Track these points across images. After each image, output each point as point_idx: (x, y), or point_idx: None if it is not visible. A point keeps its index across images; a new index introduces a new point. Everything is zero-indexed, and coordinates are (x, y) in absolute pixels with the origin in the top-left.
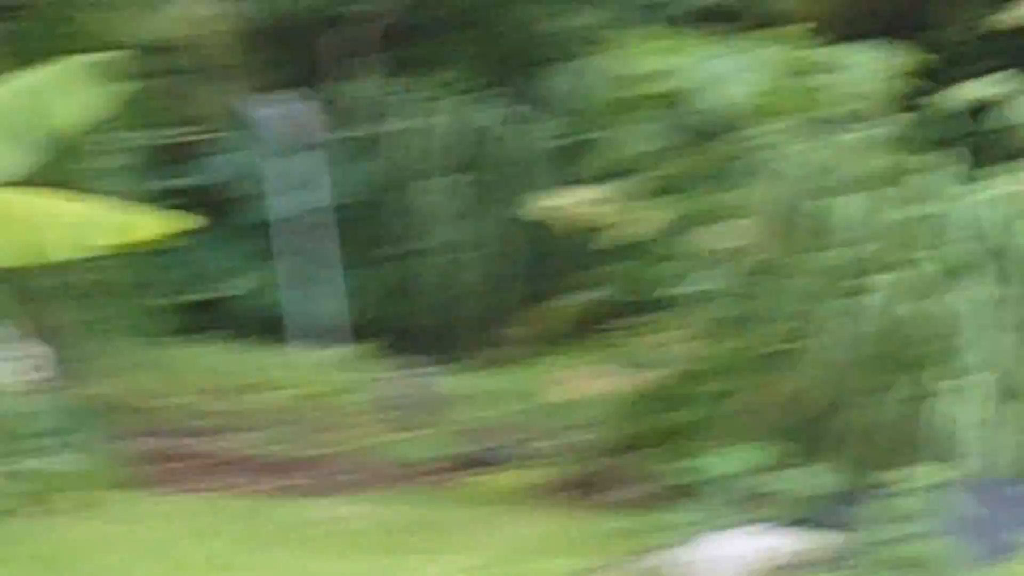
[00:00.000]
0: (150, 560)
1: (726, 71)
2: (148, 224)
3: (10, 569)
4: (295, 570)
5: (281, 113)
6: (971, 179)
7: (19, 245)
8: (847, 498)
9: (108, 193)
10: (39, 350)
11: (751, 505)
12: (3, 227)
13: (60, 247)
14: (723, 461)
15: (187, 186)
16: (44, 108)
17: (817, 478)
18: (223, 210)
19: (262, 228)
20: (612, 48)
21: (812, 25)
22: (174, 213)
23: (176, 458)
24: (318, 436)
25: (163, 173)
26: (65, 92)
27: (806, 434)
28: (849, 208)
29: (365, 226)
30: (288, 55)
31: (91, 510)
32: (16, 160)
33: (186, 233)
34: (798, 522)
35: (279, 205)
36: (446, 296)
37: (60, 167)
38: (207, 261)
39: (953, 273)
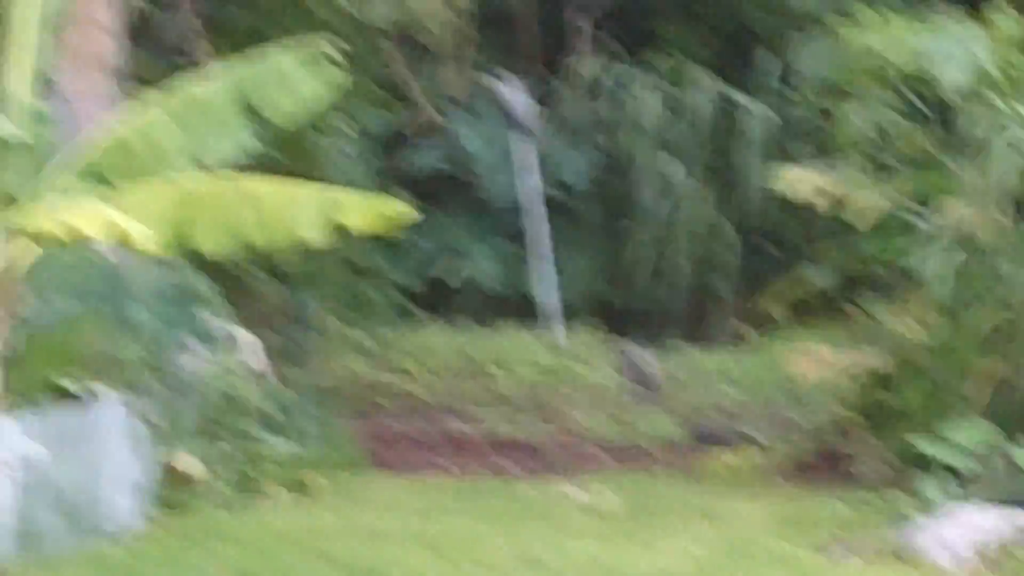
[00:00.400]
0: (401, 542)
1: (956, 49)
2: (390, 208)
3: (229, 551)
4: (547, 549)
5: (512, 95)
6: None
7: (267, 227)
8: None
9: (341, 176)
10: (254, 336)
11: (984, 484)
12: (252, 209)
13: (309, 229)
14: (952, 439)
15: (419, 168)
16: (277, 93)
17: None
18: (449, 193)
19: (493, 210)
20: (836, 26)
21: None
22: (407, 197)
23: (407, 441)
24: (549, 416)
25: (396, 156)
26: (296, 77)
27: None
28: None
29: (587, 208)
30: (511, 38)
31: (327, 493)
32: (248, 145)
33: (420, 218)
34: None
35: (510, 186)
36: (669, 277)
37: (293, 151)
38: (427, 244)
39: None
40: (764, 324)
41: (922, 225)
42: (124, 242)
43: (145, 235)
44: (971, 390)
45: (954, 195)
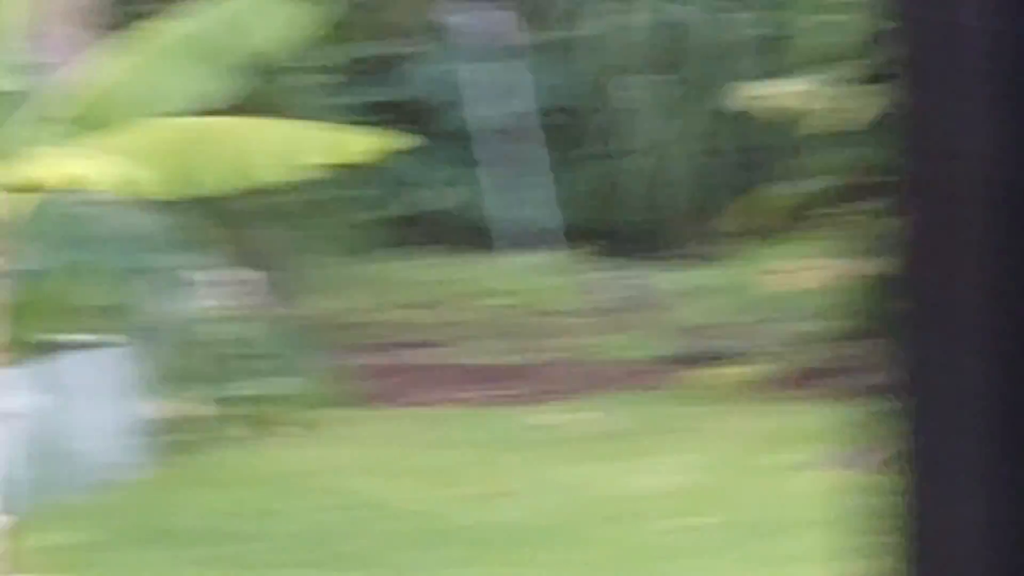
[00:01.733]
0: (383, 476)
1: None
2: (358, 142)
3: (239, 492)
4: (528, 477)
5: (479, 20)
6: None
7: (228, 170)
8: None
9: (310, 110)
10: (249, 275)
11: None
12: (211, 153)
13: (270, 169)
14: None
15: (388, 99)
16: (244, 30)
17: None
18: (425, 121)
19: (465, 138)
20: None
21: None
22: (380, 129)
23: (393, 373)
24: (534, 342)
25: (363, 87)
26: (264, 13)
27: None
28: None
29: (568, 130)
30: None
31: (314, 430)
32: (217, 85)
33: (394, 149)
34: None
35: (481, 113)
36: (654, 194)
37: (261, 88)
38: (411, 174)
39: None
40: (760, 235)
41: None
42: (121, 188)
43: (144, 179)
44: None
45: None
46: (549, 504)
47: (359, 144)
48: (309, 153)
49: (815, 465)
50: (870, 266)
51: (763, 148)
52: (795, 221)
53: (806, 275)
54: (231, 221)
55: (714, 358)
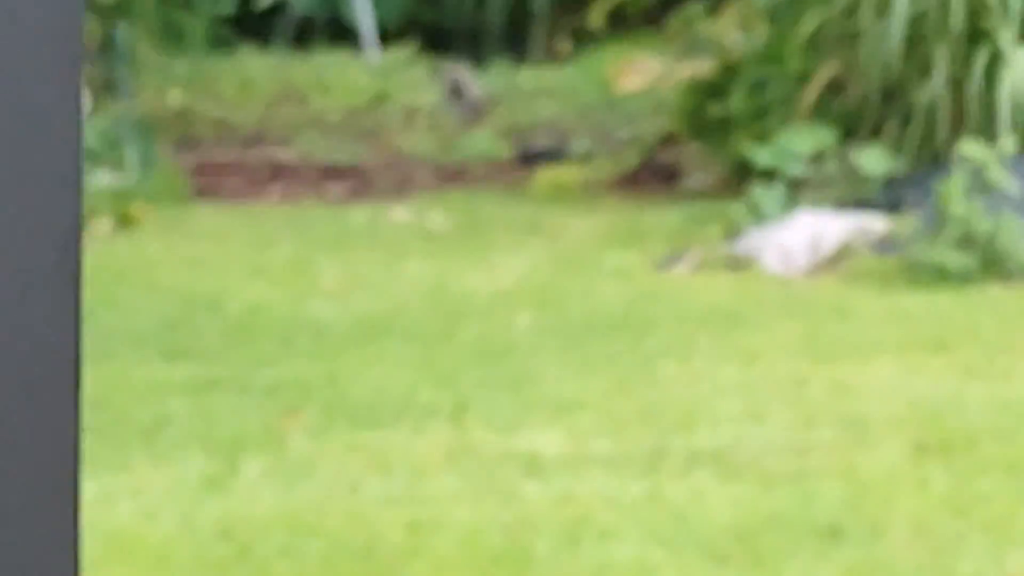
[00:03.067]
0: (233, 271)
1: None
2: None
3: (87, 285)
4: (378, 271)
5: None
6: None
7: None
8: (908, 179)
9: None
10: (87, 69)
11: (817, 188)
12: None
13: None
14: (785, 145)
15: None
16: None
17: (877, 160)
18: None
19: None
20: None
21: None
22: None
23: (230, 170)
24: (368, 141)
25: None
26: None
27: (861, 117)
28: None
29: None
30: None
31: (141, 225)
32: None
33: None
34: (864, 203)
35: None
36: None
37: None
38: None
39: None
40: (583, 39)
41: None
42: None
43: None
44: (798, 94)
45: None
46: (385, 301)
47: None
48: None
49: (656, 262)
50: (702, 67)
51: None
52: (633, 23)
53: (643, 76)
54: None
55: (552, 158)
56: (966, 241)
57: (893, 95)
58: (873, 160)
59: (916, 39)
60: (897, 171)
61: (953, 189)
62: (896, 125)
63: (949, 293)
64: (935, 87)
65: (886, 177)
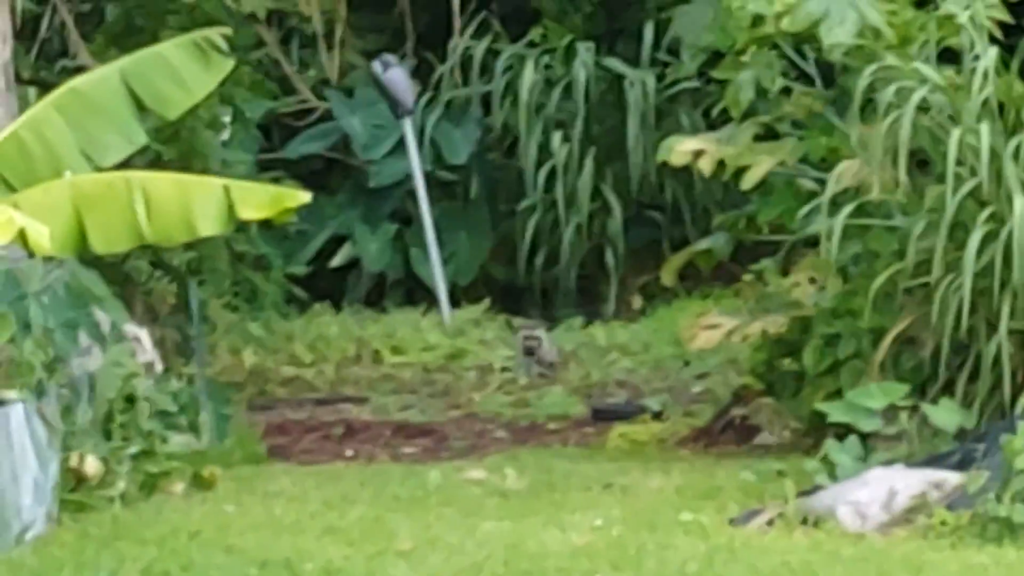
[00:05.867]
0: (309, 533)
1: (836, 6)
2: (282, 196)
3: (163, 548)
4: (454, 532)
5: (393, 76)
6: None
7: (161, 222)
8: (980, 433)
9: (223, 165)
10: (153, 332)
11: (891, 443)
12: (144, 205)
13: (205, 221)
14: (858, 400)
15: (301, 154)
16: (164, 84)
17: (948, 415)
18: (330, 178)
19: (376, 193)
20: None
21: None
22: (291, 183)
23: (303, 428)
24: (443, 400)
25: (276, 142)
26: (182, 67)
27: (932, 372)
28: (970, 139)
29: (471, 186)
30: (384, 20)
31: (212, 488)
32: (138, 138)
33: (308, 204)
34: (937, 457)
35: (392, 168)
36: (556, 253)
37: (175, 143)
38: (324, 229)
39: None
40: (656, 295)
41: (810, 185)
42: (21, 242)
43: (41, 233)
44: (871, 349)
45: (844, 154)
46: (461, 561)
47: (275, 198)
48: (245, 207)
49: (731, 519)
50: (772, 323)
51: (667, 205)
52: (706, 279)
53: (716, 332)
54: (129, 276)
55: (626, 415)
56: None
57: (962, 349)
58: (945, 415)
59: (983, 291)
60: (968, 424)
61: (1018, 443)
62: (966, 379)
63: (1017, 547)
64: (1000, 340)
65: (958, 431)
